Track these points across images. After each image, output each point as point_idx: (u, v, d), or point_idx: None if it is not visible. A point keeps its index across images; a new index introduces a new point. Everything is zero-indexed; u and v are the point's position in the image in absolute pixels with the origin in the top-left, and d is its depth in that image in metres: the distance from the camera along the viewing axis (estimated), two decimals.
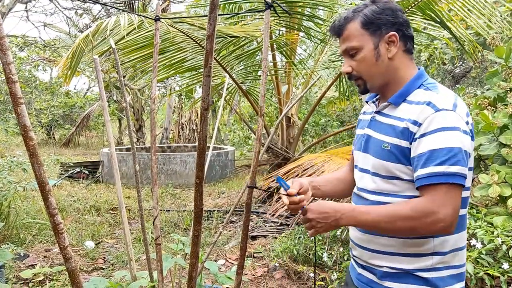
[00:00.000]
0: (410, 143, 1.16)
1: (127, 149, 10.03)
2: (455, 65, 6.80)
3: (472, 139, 1.16)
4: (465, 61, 6.72)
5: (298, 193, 1.25)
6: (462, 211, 1.21)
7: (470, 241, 2.49)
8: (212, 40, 0.92)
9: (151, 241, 4.30)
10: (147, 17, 3.37)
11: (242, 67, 5.61)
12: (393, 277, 1.23)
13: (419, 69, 1.28)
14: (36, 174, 0.98)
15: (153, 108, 1.95)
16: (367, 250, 1.29)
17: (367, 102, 1.39)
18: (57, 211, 1.04)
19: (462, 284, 1.24)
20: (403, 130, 1.17)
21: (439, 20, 3.97)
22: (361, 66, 1.24)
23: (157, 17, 1.86)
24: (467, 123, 1.15)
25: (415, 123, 1.15)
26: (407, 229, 1.13)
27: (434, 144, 1.10)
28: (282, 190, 1.26)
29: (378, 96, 1.34)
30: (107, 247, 4.45)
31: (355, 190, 1.38)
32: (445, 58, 5.60)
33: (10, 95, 0.94)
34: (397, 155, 1.18)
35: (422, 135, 1.12)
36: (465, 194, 1.19)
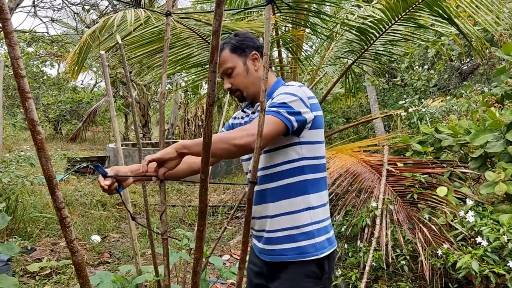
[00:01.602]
0: None
1: (133, 145, 10.07)
2: (463, 62, 6.75)
3: (312, 110, 1.51)
4: (472, 58, 6.67)
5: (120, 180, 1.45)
6: (320, 175, 1.59)
7: (476, 239, 2.48)
8: (218, 35, 0.92)
9: (156, 236, 4.33)
10: (158, 13, 3.37)
11: None
12: (287, 239, 1.53)
13: (277, 77, 1.71)
14: (43, 168, 0.99)
15: (162, 103, 1.95)
16: (258, 219, 1.61)
17: (243, 110, 1.77)
18: (64, 205, 1.05)
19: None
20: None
21: (446, 17, 3.94)
22: (237, 80, 1.63)
23: (168, 12, 1.86)
24: (308, 98, 1.52)
25: (272, 98, 1.53)
26: (230, 139, 1.37)
27: (275, 100, 1.48)
28: (100, 177, 1.42)
29: (250, 104, 1.73)
30: (113, 241, 4.49)
31: (248, 176, 1.66)
32: (453, 55, 5.56)
33: (18, 90, 0.95)
34: None
35: (272, 99, 1.52)
36: (320, 161, 1.59)
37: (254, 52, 1.63)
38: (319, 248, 1.53)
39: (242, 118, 1.77)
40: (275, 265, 1.57)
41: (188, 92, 14.37)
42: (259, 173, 1.58)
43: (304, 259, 1.51)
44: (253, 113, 1.68)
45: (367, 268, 2.71)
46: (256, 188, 1.60)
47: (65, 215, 1.09)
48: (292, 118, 1.45)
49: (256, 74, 1.63)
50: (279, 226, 1.56)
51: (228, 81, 1.65)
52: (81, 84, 19.10)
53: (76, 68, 3.86)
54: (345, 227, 3.27)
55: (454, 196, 2.90)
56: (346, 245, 3.26)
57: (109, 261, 3.92)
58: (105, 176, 1.40)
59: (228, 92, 1.69)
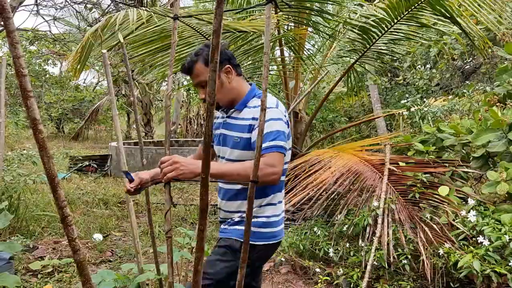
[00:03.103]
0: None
1: (135, 143, 10.09)
2: (465, 61, 6.74)
3: (288, 127, 1.78)
4: (475, 57, 6.65)
5: (141, 185, 1.82)
6: (283, 178, 1.84)
7: (478, 238, 2.48)
8: (218, 35, 0.92)
9: (158, 234, 4.34)
10: (165, 16, 3.37)
11: (250, 62, 5.60)
12: (240, 223, 1.84)
13: (250, 84, 1.88)
14: (45, 166, 0.99)
15: (168, 104, 1.95)
16: (226, 212, 1.92)
17: (217, 110, 1.91)
18: (66, 203, 1.05)
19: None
20: (248, 127, 1.74)
21: (449, 16, 3.93)
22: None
23: (176, 16, 1.86)
24: (285, 116, 1.77)
25: (254, 119, 1.73)
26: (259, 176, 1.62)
27: (268, 129, 1.66)
28: (126, 181, 1.78)
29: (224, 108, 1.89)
30: (115, 240, 4.50)
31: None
32: (455, 54, 5.54)
33: (20, 88, 0.95)
34: (244, 144, 1.74)
35: (254, 120, 1.73)
36: (285, 166, 1.80)
37: (227, 65, 1.76)
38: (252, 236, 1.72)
39: (217, 118, 1.96)
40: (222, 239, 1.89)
41: (190, 91, 14.37)
42: None
43: (235, 238, 1.82)
44: (228, 117, 1.86)
45: (368, 267, 2.71)
46: (226, 186, 1.88)
47: (66, 213, 1.09)
48: (286, 145, 1.70)
49: (230, 85, 1.79)
50: (237, 215, 1.87)
51: (204, 92, 1.77)
52: (84, 82, 19.10)
53: (78, 67, 3.87)
54: (346, 226, 3.27)
55: (456, 196, 2.90)
56: (347, 244, 3.26)
57: (111, 259, 3.93)
58: (131, 181, 1.76)
59: (203, 101, 1.85)
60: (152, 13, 3.54)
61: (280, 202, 1.87)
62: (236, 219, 1.86)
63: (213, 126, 1.94)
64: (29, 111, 0.97)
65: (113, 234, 4.66)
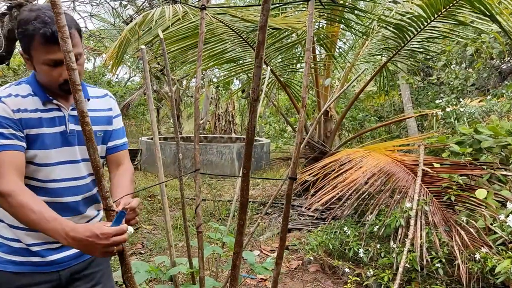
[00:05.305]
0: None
1: (164, 138, 10.25)
2: (504, 60, 6.51)
3: None
4: None
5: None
6: None
7: None
8: (265, 31, 0.93)
9: (190, 228, 4.39)
10: (193, 7, 3.41)
11: (280, 60, 5.58)
12: None
13: None
14: (91, 158, 1.02)
15: (197, 97, 1.97)
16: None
17: (44, 102, 1.37)
18: (109, 194, 1.08)
19: None
20: (108, 118, 1.55)
21: (488, 13, 3.80)
22: (80, 70, 1.33)
23: (203, 6, 1.88)
24: None
25: (110, 109, 1.57)
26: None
27: (121, 124, 1.63)
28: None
29: (49, 97, 1.37)
30: (145, 233, 4.58)
31: (58, 185, 1.40)
32: (493, 53, 5.36)
33: (70, 82, 0.98)
34: (105, 139, 1.55)
35: (116, 116, 1.59)
36: None
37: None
38: None
39: (40, 111, 1.36)
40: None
41: (219, 88, 14.47)
42: (91, 178, 1.50)
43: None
44: (73, 109, 1.42)
45: (400, 269, 2.66)
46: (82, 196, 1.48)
47: (110, 204, 1.13)
48: None
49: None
50: None
51: (63, 69, 1.31)
52: (116, 78, 19.52)
53: (115, 62, 3.96)
54: (377, 226, 3.22)
55: (494, 199, 2.81)
56: (378, 245, 3.21)
57: (142, 251, 4.01)
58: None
59: (63, 81, 1.33)
60: (188, 9, 3.58)
61: None
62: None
63: (27, 124, 1.33)
64: (77, 104, 1.00)
65: (143, 227, 4.75)
